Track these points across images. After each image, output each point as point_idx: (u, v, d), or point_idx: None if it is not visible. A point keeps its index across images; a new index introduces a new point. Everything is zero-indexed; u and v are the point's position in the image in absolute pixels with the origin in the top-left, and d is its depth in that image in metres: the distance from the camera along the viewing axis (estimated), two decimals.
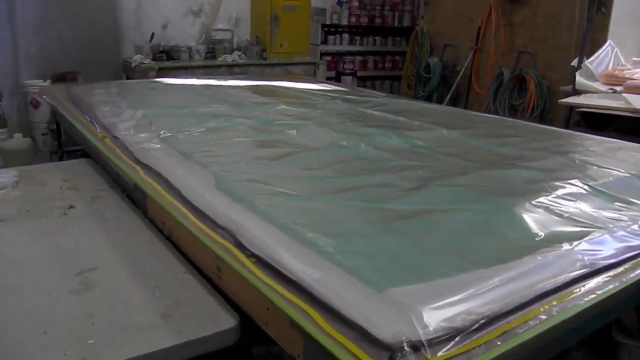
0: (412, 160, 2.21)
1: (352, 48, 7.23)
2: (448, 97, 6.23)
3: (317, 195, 1.76)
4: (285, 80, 4.58)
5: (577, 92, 4.43)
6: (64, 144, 3.73)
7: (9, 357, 1.19)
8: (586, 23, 4.59)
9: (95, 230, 1.91)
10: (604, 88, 4.35)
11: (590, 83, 4.40)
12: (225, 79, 4.54)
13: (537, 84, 5.27)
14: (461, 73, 6.20)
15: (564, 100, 4.24)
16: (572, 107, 4.46)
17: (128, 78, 5.63)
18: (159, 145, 2.32)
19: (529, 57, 5.53)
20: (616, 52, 4.57)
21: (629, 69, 4.50)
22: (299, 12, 6.20)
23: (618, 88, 4.29)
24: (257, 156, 2.21)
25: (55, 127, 3.85)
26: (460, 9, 6.28)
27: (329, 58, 6.95)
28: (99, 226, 1.94)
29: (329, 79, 6.49)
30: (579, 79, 4.37)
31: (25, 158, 4.45)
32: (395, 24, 7.51)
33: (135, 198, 2.13)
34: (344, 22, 7.05)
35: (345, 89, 4.38)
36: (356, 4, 7.07)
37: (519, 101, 5.50)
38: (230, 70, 5.61)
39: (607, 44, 4.57)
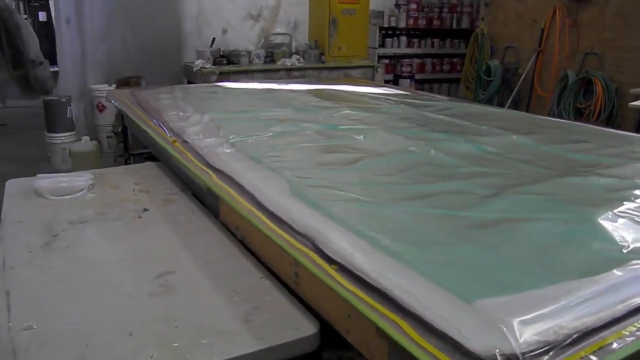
0: (484, 167, 2.16)
1: (409, 51, 7.16)
2: (510, 100, 6.07)
3: (390, 201, 1.75)
4: (345, 84, 4.58)
5: None
6: (131, 147, 3.85)
7: (101, 359, 1.23)
8: None
9: (169, 233, 1.96)
10: None
11: None
12: (286, 83, 4.59)
13: (605, 87, 5.07)
14: (523, 76, 6.04)
15: (635, 103, 4.06)
16: None
17: (189, 82, 5.77)
18: (229, 150, 2.35)
19: (595, 59, 5.33)
20: None
21: None
22: (357, 15, 6.20)
23: None
24: (325, 162, 2.21)
25: (120, 130, 3.98)
26: (523, 10, 6.13)
27: (386, 61, 6.92)
28: (172, 229, 1.99)
29: (386, 82, 6.47)
30: None
31: (92, 160, 4.62)
32: (454, 26, 7.39)
33: (207, 202, 2.17)
34: (402, 24, 6.99)
35: (406, 93, 4.34)
36: (414, 6, 7.01)
37: (584, 104, 5.30)
38: (289, 74, 5.66)
39: None
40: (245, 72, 5.45)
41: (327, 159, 2.25)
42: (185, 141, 2.58)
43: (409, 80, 6.91)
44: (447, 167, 2.15)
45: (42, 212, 2.10)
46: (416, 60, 7.21)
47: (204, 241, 1.88)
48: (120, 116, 3.90)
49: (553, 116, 5.29)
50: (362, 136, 2.57)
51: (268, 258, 1.66)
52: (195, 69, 5.30)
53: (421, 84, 7.17)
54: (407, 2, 7.13)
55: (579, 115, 5.32)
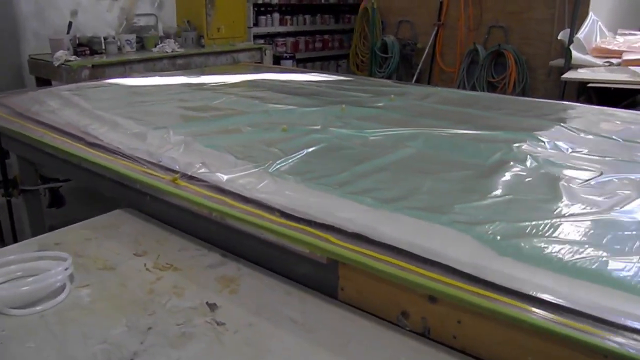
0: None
1: (282, 29, 6.52)
2: (415, 76, 5.83)
3: None
4: (269, 72, 3.85)
5: (570, 67, 4.26)
6: (19, 179, 2.71)
7: None
8: None
9: (306, 346, 1.18)
10: (599, 61, 4.22)
11: (584, 57, 4.25)
12: (198, 75, 3.70)
13: (516, 59, 5.07)
14: (427, 51, 5.83)
15: (567, 75, 4.04)
16: (565, 83, 4.30)
17: (42, 81, 4.47)
18: (298, 185, 1.61)
19: (501, 32, 5.32)
20: (599, 24, 4.48)
21: (616, 42, 4.44)
22: None
23: (614, 61, 4.19)
24: (419, 187, 1.62)
25: None
26: None
27: (261, 41, 6.18)
28: (300, 337, 1.20)
29: (257, 63, 5.73)
30: (574, 53, 4.20)
31: None
32: (322, 1, 6.90)
33: (297, 271, 1.42)
34: (275, 0, 6.30)
35: (349, 78, 3.78)
36: None
37: (497, 78, 5.27)
38: (173, 63, 4.69)
39: (590, 16, 4.46)
40: (122, 63, 4.34)
41: (419, 183, 1.64)
42: (192, 177, 1.74)
43: (290, 61, 6.30)
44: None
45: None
46: (290, 39, 6.61)
47: (382, 352, 1.16)
48: None
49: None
50: (433, 150, 2.00)
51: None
52: (56, 63, 4.05)
53: (302, 64, 6.60)
54: None
55: (492, 89, 5.27)
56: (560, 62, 4.57)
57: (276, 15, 6.39)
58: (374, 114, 2.53)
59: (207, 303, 1.32)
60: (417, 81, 5.90)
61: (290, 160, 1.83)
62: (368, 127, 2.28)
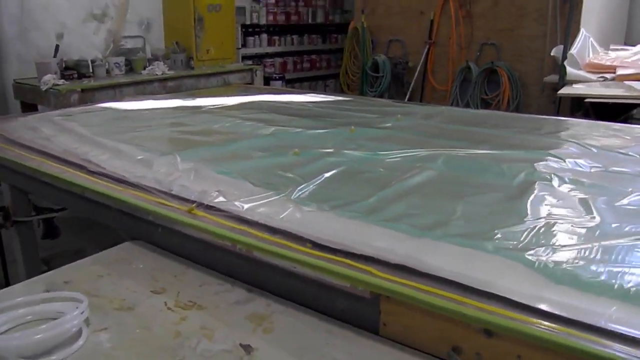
0: None
1: (270, 49, 6.46)
2: (408, 95, 5.79)
3: None
4: (264, 93, 3.77)
5: (564, 83, 4.27)
6: (11, 210, 2.57)
7: None
8: (569, 11, 4.44)
9: None
10: (593, 77, 4.24)
11: (578, 72, 4.26)
12: (192, 98, 3.60)
13: (510, 76, 5.07)
14: (418, 69, 5.80)
15: (564, 91, 4.04)
16: (560, 98, 4.30)
17: (27, 106, 4.32)
18: (316, 214, 1.52)
19: (493, 49, 5.32)
20: (591, 40, 4.50)
21: (609, 57, 4.46)
22: (223, 12, 5.31)
23: (608, 76, 4.20)
24: (452, 212, 1.54)
25: None
26: (407, 2, 5.85)
27: (249, 62, 6.11)
28: None
29: (248, 84, 5.66)
30: (569, 69, 4.20)
31: None
32: (309, 21, 6.87)
33: (336, 306, 1.32)
34: (263, 21, 6.25)
35: (348, 99, 3.72)
36: (272, 0, 6.30)
37: (490, 95, 5.26)
38: (164, 85, 4.58)
39: (581, 32, 4.49)
40: (112, 86, 4.22)
41: (451, 205, 1.56)
42: (209, 206, 1.63)
43: (280, 81, 6.23)
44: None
45: None
46: (278, 60, 6.55)
47: None
48: None
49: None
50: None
51: None
52: (44, 88, 3.91)
53: (291, 84, 6.53)
54: None
55: (485, 106, 5.26)
56: (554, 78, 4.59)
57: (264, 36, 6.34)
58: (385, 134, 2.46)
59: (241, 345, 1.21)
60: (410, 99, 5.87)
61: (310, 186, 1.74)
62: (381, 148, 2.20)
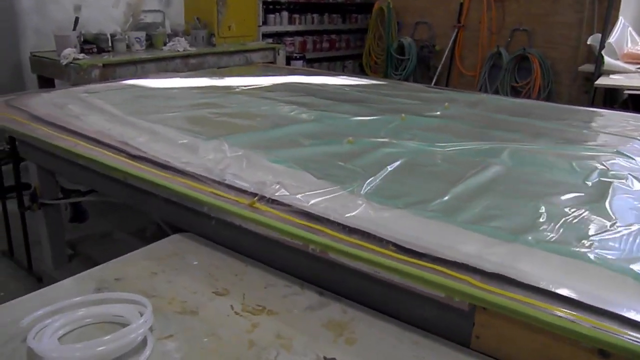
0: None
1: (291, 28, 6.27)
2: (435, 79, 5.63)
3: None
4: (295, 74, 3.62)
5: (601, 73, 4.12)
6: (39, 192, 2.45)
7: None
8: None
9: None
10: (632, 67, 4.08)
11: (616, 62, 4.11)
12: (220, 77, 3.46)
13: (541, 64, 4.90)
14: (446, 53, 5.63)
15: (602, 82, 3.89)
16: (596, 89, 4.16)
17: (45, 80, 4.18)
18: (392, 212, 1.40)
19: (524, 35, 5.15)
20: (629, 29, 4.34)
21: None
22: None
23: None
24: (537, 214, 1.42)
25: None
26: None
27: (269, 40, 5.92)
28: None
29: (270, 64, 5.48)
30: (607, 59, 4.05)
31: None
32: (330, 0, 6.66)
33: (424, 314, 1.21)
34: None
35: (382, 83, 3.58)
36: None
37: (520, 82, 5.10)
38: (186, 62, 4.43)
39: (620, 20, 4.31)
40: (134, 62, 4.06)
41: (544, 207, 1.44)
42: (273, 200, 1.51)
43: (301, 61, 6.05)
44: None
45: None
46: (298, 39, 6.36)
47: None
48: (10, 144, 2.46)
49: None
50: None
51: None
52: (64, 62, 3.76)
53: (310, 64, 6.34)
54: None
55: (515, 94, 5.10)
56: (589, 67, 4.43)
57: (285, 14, 6.14)
58: (437, 124, 2.33)
59: (325, 358, 1.10)
60: (436, 84, 5.71)
61: (377, 180, 1.62)
62: (437, 139, 2.08)
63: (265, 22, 5.87)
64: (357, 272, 1.26)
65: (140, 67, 4.07)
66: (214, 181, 1.66)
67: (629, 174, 1.77)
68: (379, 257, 1.22)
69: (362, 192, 1.50)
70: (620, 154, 2.00)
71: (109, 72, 3.85)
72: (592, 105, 4.14)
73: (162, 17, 5.05)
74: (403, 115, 2.35)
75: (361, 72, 6.63)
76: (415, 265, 1.19)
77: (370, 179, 1.60)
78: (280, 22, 6.09)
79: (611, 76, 4.02)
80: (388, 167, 1.73)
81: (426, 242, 1.26)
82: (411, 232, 1.30)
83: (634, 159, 1.95)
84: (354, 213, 1.40)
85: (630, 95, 3.70)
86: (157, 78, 3.41)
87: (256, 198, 1.50)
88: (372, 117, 2.37)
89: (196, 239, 1.63)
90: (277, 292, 1.34)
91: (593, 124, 2.51)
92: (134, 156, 1.91)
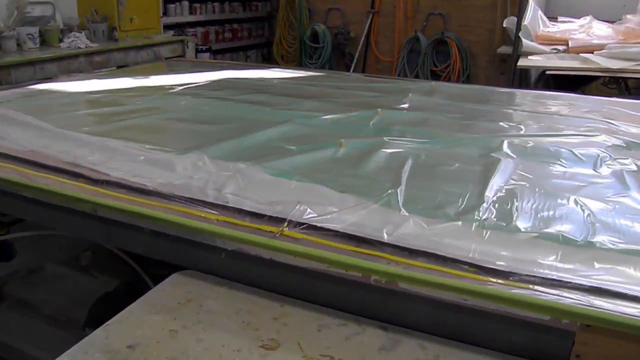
0: None
1: (192, 18, 5.85)
2: (352, 67, 5.51)
3: None
4: (218, 69, 3.31)
5: (519, 55, 4.26)
6: None
7: None
8: None
9: None
10: (546, 48, 4.26)
11: (532, 44, 4.26)
12: (145, 75, 3.08)
13: (459, 47, 4.96)
14: (362, 40, 5.51)
15: (523, 64, 4.02)
16: (515, 70, 4.30)
17: None
18: (445, 227, 1.25)
19: (440, 19, 5.17)
20: (540, 12, 4.51)
21: (558, 29, 4.51)
22: None
23: (560, 47, 4.25)
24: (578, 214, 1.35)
25: None
26: None
27: (171, 32, 5.48)
28: None
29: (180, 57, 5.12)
30: (524, 40, 4.18)
31: None
32: None
33: (517, 343, 1.07)
34: None
35: (323, 74, 3.40)
36: None
37: (439, 66, 5.13)
38: (91, 60, 3.95)
39: (530, 3, 4.47)
40: (31, 63, 3.53)
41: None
42: (299, 223, 1.29)
43: (207, 54, 5.66)
44: None
45: None
46: (200, 29, 5.96)
47: None
48: None
49: None
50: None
51: None
52: None
53: (216, 56, 5.96)
54: None
55: (435, 78, 5.12)
56: (506, 49, 4.57)
57: (185, 4, 5.72)
58: (416, 117, 2.21)
59: None
60: (353, 71, 5.62)
61: (402, 187, 1.46)
62: (429, 134, 1.96)
63: (165, 13, 5.44)
64: (430, 301, 1.09)
65: (39, 68, 3.57)
66: (214, 205, 1.40)
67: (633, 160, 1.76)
68: (465, 282, 1.06)
69: (401, 205, 1.33)
70: (609, 135, 1.99)
71: (3, 76, 3.33)
72: (512, 87, 4.28)
73: (52, 10, 4.48)
74: (378, 109, 2.20)
75: (269, 62, 6.40)
76: (507, 287, 1.05)
77: (396, 188, 1.43)
78: (182, 13, 5.68)
79: (529, 57, 4.15)
80: (402, 170, 1.57)
81: (501, 258, 1.12)
82: (479, 248, 1.15)
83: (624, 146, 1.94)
84: (404, 231, 1.22)
85: (552, 75, 3.84)
86: (69, 81, 2.96)
87: (285, 224, 1.27)
88: (345, 114, 2.19)
89: (202, 277, 1.36)
90: (336, 335, 1.14)
91: (567, 107, 2.51)
92: (95, 180, 1.58)
